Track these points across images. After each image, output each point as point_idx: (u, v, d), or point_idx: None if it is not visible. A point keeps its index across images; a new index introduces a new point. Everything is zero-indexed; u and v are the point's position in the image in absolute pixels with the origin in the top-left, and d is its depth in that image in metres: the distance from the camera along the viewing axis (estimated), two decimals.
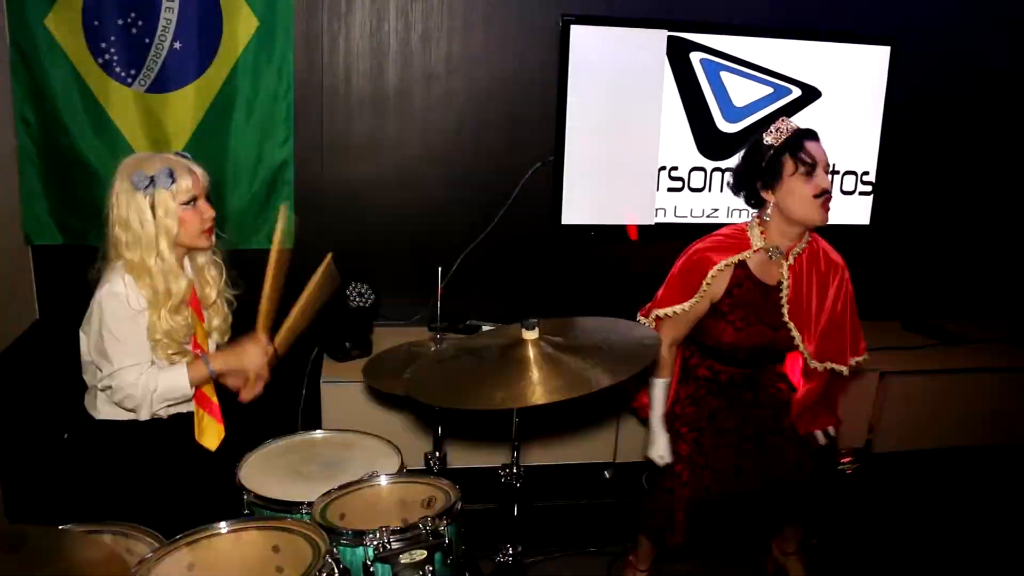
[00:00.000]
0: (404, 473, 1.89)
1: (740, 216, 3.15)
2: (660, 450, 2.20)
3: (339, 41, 2.84)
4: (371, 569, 1.55)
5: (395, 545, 1.55)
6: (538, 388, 1.61)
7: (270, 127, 2.82)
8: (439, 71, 2.91)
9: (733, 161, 3.06)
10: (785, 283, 2.06)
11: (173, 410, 1.95)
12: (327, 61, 2.84)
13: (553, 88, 2.92)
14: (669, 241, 3.17)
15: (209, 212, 1.92)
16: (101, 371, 1.85)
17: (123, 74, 2.68)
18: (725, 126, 3.07)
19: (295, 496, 1.78)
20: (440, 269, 2.32)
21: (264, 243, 2.88)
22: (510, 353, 1.72)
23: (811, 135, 2.01)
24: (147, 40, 2.67)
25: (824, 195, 1.97)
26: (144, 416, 1.87)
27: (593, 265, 3.17)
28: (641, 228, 3.08)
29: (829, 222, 2.01)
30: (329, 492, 1.74)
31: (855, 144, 3.18)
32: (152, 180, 1.83)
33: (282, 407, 2.17)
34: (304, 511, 1.71)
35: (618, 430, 2.86)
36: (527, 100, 2.97)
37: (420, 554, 1.54)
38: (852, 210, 3.25)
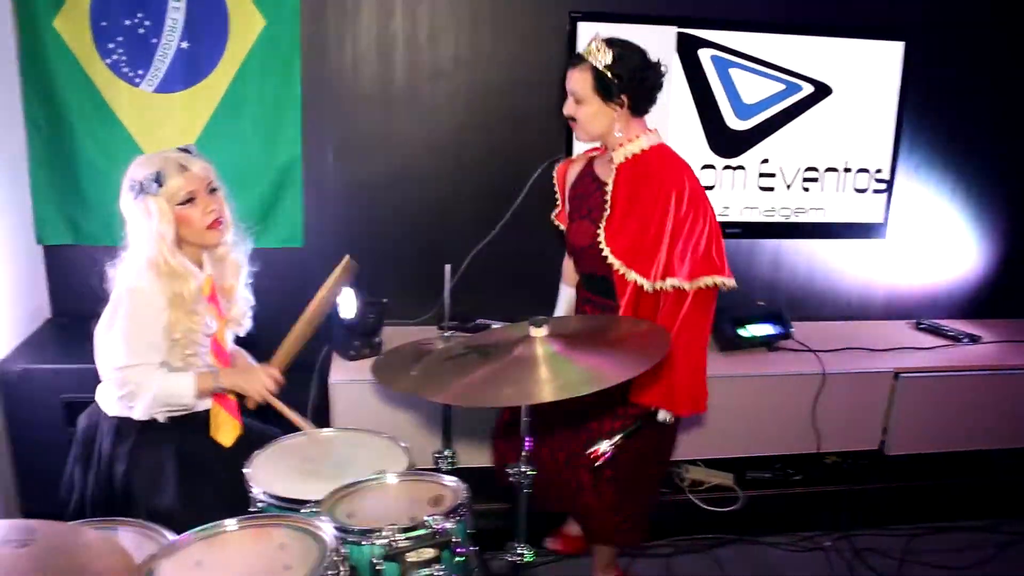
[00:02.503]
0: (412, 471, 1.88)
1: (753, 214, 3.13)
2: None
3: (346, 40, 2.83)
4: (378, 567, 1.54)
5: (402, 543, 1.54)
6: (546, 385, 1.60)
7: (278, 126, 2.82)
8: (447, 69, 2.90)
9: (746, 159, 3.11)
10: (610, 182, 2.13)
11: (176, 414, 1.93)
12: (334, 60, 2.84)
13: (561, 85, 2.89)
14: None
15: (211, 206, 1.89)
16: (109, 363, 1.84)
17: (131, 74, 2.70)
18: (735, 123, 3.04)
19: (304, 494, 1.77)
20: (449, 268, 2.30)
21: (273, 243, 2.89)
22: (518, 350, 1.71)
23: None
24: (154, 40, 2.68)
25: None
26: (138, 415, 1.85)
27: None
28: None
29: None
30: (337, 490, 1.74)
31: (868, 141, 3.15)
32: (141, 186, 1.82)
33: (293, 406, 2.19)
34: (312, 509, 1.71)
35: None
36: (535, 97, 2.95)
37: (428, 552, 1.53)
38: (866, 208, 3.21)
